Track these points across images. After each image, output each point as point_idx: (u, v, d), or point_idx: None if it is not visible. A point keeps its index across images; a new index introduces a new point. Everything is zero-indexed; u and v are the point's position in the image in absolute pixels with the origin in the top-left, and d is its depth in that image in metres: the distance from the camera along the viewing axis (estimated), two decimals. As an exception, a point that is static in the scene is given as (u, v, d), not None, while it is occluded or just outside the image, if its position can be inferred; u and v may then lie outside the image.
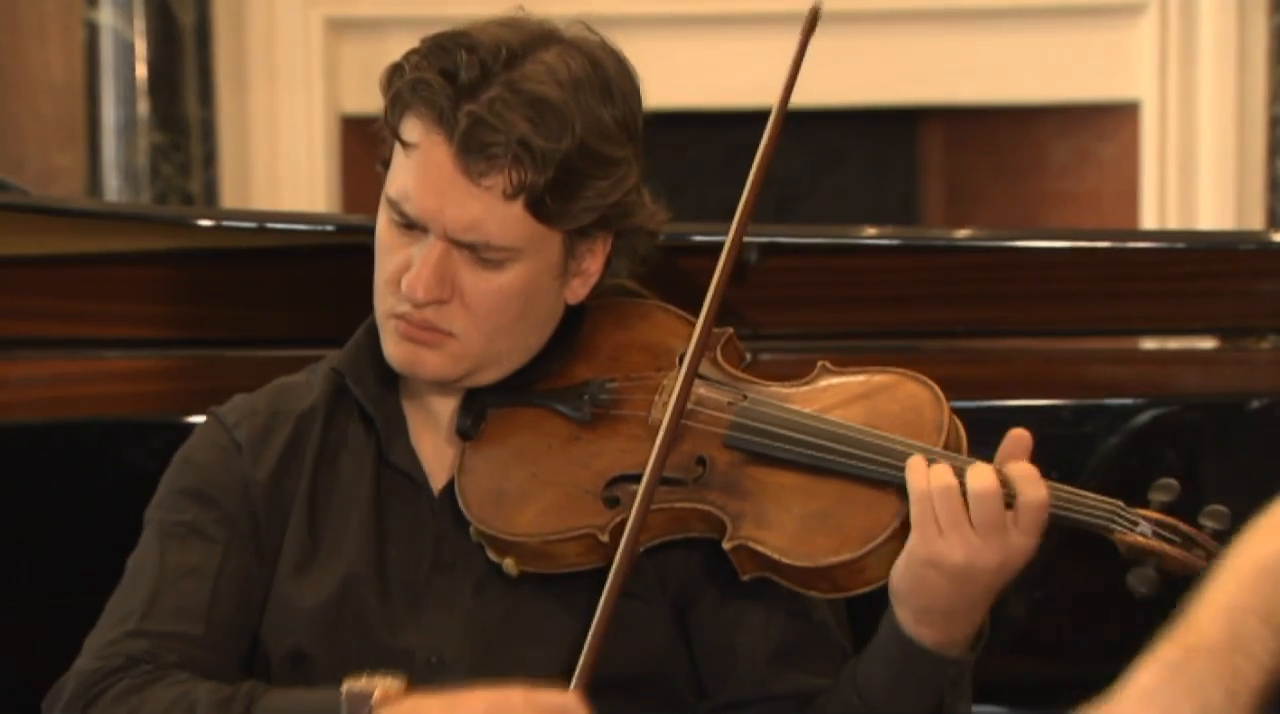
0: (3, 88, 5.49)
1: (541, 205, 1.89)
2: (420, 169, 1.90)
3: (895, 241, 3.12)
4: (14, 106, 5.38)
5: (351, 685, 1.83)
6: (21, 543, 2.67)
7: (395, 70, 1.93)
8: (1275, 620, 1.46)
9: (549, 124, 1.87)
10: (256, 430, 2.02)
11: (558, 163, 1.88)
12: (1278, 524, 1.53)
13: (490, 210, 1.89)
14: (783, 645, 1.94)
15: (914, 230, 4.86)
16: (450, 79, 1.87)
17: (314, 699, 1.87)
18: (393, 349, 1.95)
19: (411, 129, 1.89)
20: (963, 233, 3.41)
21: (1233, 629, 1.46)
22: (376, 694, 1.82)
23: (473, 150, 1.86)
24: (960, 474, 1.79)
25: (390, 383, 2.03)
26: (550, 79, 1.89)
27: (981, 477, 1.79)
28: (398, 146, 1.91)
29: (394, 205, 1.91)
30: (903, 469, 1.82)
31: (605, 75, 1.93)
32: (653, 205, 2.00)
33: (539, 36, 1.92)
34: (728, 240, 1.94)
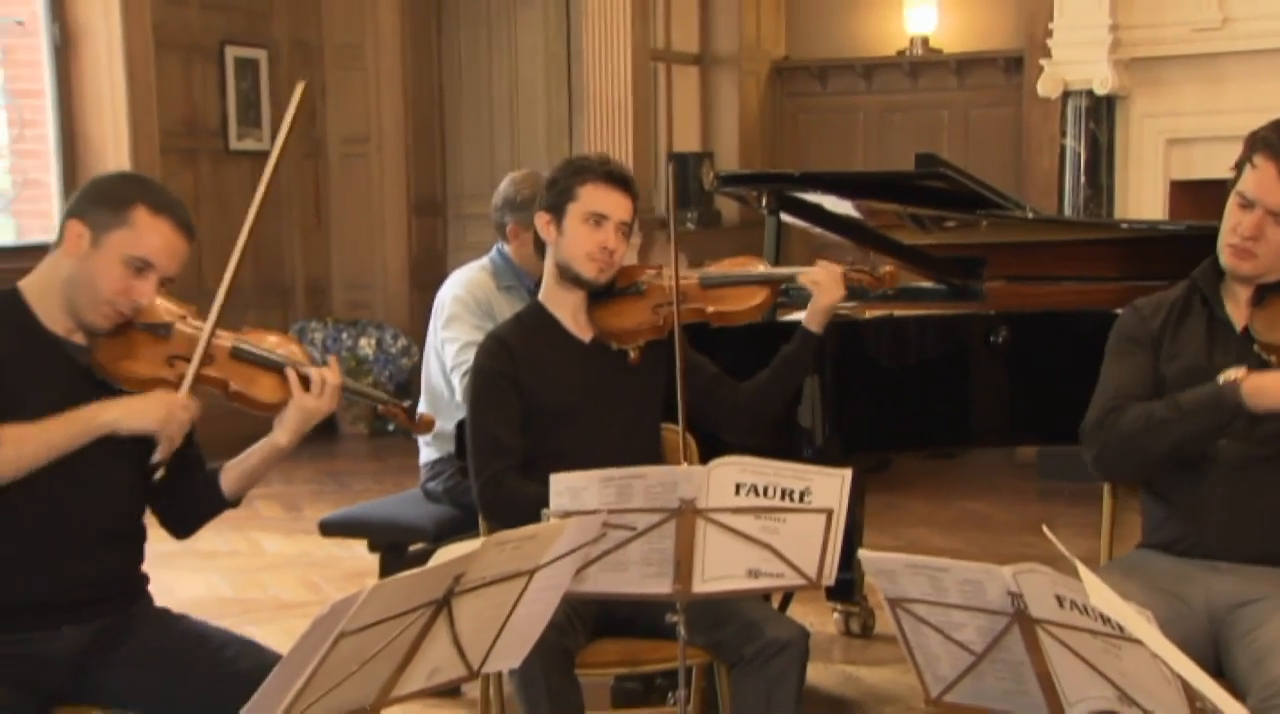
0: (1025, 174, 7.57)
1: None
2: (1259, 178, 2.63)
3: None
4: (1029, 185, 7.50)
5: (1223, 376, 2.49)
6: (1039, 357, 3.89)
7: (1255, 134, 2.68)
8: None
9: None
10: (1151, 309, 2.83)
11: None
12: None
13: None
14: None
15: None
16: None
17: (1203, 390, 2.56)
18: (1227, 259, 2.72)
19: (1258, 158, 2.65)
20: None
21: None
22: (1239, 375, 2.46)
23: None
24: None
25: (1219, 286, 2.75)
26: None
27: None
28: (1249, 167, 2.66)
29: (1241, 194, 2.67)
30: None
31: None
32: None
33: None
34: None
